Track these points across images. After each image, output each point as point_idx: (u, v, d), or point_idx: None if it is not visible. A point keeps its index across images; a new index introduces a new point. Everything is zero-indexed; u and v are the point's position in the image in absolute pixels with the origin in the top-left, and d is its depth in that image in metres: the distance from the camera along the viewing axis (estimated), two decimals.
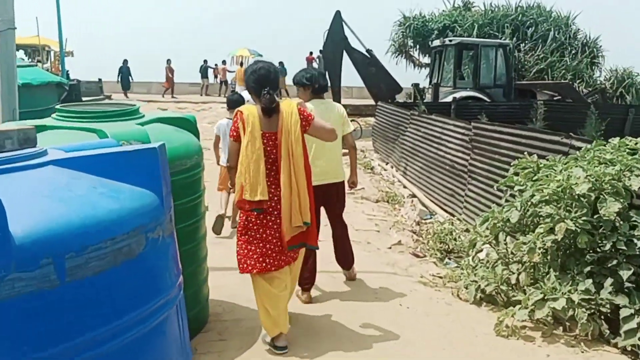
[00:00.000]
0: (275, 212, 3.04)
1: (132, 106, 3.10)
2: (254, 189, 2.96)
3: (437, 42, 15.17)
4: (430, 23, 20.48)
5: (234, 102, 5.29)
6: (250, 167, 2.96)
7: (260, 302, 3.13)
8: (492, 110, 11.98)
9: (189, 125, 3.27)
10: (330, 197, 3.93)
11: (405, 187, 8.55)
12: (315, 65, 27.81)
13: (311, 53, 26.99)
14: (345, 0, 15.04)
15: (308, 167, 3.11)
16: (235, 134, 3.08)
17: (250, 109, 3.07)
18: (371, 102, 22.90)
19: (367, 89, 15.08)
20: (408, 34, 20.74)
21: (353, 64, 14.61)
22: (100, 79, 19.38)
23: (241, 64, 24.95)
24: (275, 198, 3.03)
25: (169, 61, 23.91)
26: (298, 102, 3.25)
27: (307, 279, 3.79)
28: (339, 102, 15.27)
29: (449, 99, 13.61)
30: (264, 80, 3.03)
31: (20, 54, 21.04)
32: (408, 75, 21.75)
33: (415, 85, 16.47)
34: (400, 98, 15.41)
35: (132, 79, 23.23)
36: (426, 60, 21.81)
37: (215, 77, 27.39)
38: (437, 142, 7.66)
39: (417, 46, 21.17)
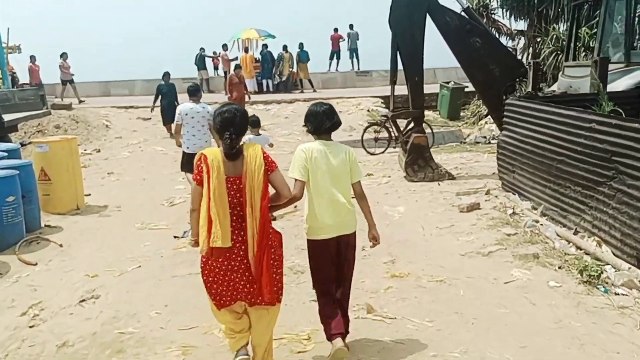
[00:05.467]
0: (239, 258, 3.09)
1: None
2: (226, 236, 3.01)
3: None
4: None
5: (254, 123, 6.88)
6: (219, 214, 3.00)
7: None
8: None
9: None
10: (338, 252, 3.49)
11: None
12: (342, 44, 21.75)
13: (336, 30, 21.59)
14: None
15: (265, 217, 3.09)
16: (199, 177, 3.09)
17: (215, 153, 3.11)
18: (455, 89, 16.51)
19: (465, 72, 9.19)
20: None
21: (442, 34, 8.78)
22: (41, 85, 13.45)
23: (246, 50, 19.53)
24: (237, 244, 3.08)
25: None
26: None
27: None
28: (422, 103, 9.46)
29: (622, 84, 7.85)
30: (228, 124, 3.05)
31: None
32: None
33: (535, 64, 10.48)
34: None
35: (178, 104, 11.70)
36: (520, 26, 15.68)
37: (216, 68, 22.43)
38: None
39: (505, 6, 14.98)
